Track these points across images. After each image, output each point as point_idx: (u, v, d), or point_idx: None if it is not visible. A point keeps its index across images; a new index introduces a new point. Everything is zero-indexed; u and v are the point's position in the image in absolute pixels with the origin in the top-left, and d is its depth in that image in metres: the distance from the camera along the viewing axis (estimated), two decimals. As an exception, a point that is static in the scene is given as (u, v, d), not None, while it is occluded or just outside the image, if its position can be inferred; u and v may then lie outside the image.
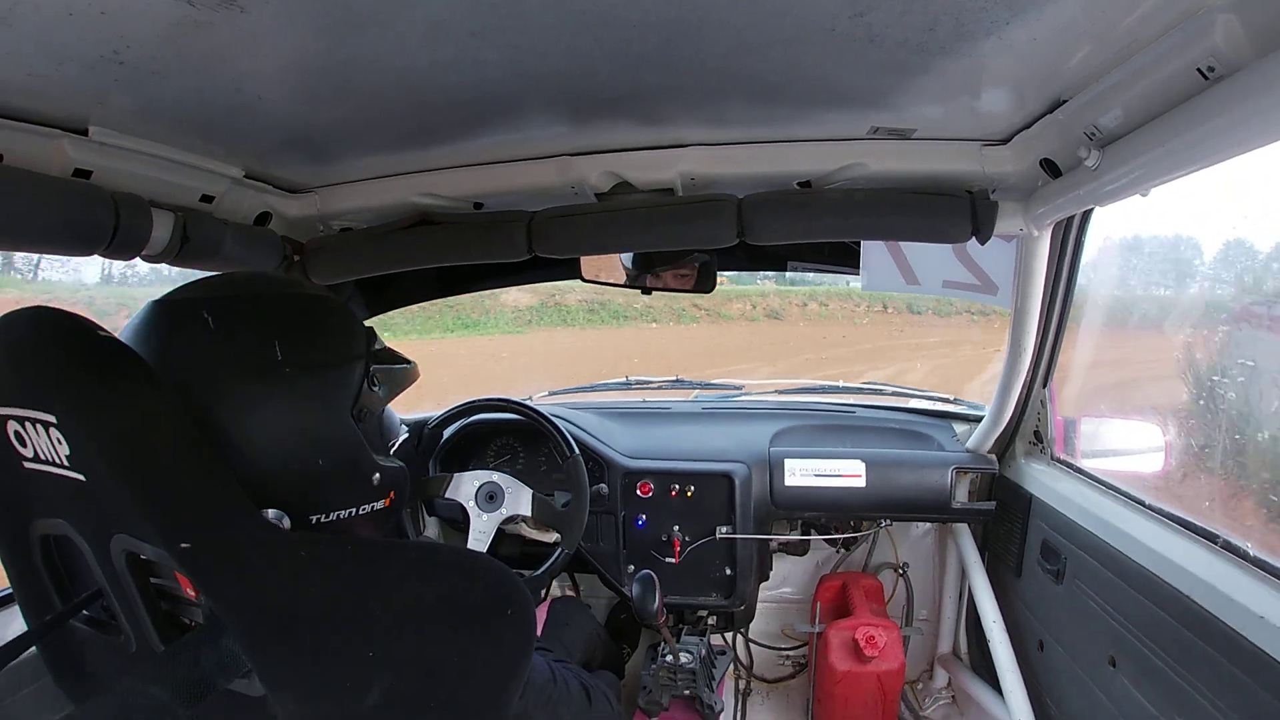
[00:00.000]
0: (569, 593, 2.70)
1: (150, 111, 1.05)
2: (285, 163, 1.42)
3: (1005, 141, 1.31)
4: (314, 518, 0.88)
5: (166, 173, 1.23)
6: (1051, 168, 1.25)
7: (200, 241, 1.31)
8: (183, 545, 0.71)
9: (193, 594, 0.80)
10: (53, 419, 0.74)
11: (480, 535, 1.94)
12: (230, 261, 1.42)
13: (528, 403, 2.18)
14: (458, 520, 2.02)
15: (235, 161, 1.35)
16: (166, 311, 0.86)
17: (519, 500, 1.96)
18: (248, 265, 1.48)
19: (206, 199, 1.35)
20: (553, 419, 2.08)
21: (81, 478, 0.76)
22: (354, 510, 0.92)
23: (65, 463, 0.76)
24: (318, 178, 1.54)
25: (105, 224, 1.11)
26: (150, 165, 1.19)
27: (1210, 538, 1.29)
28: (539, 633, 1.81)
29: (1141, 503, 1.52)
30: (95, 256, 1.15)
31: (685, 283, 2.00)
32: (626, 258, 1.99)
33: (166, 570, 0.81)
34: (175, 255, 1.28)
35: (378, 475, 0.95)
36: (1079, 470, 1.84)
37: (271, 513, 0.82)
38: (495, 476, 1.96)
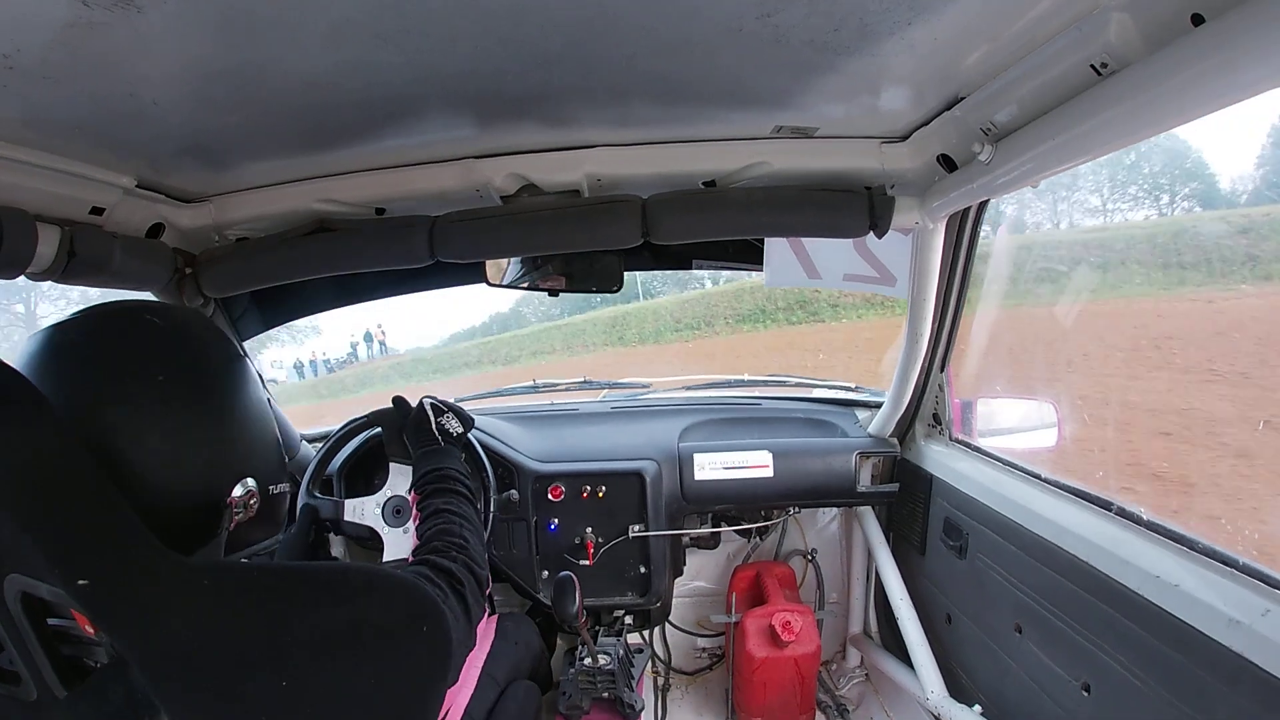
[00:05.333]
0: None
1: (41, 119, 0.99)
2: (179, 170, 1.35)
3: (904, 138, 1.35)
4: (272, 489, 0.94)
5: (55, 184, 1.15)
6: (947, 162, 1.30)
7: (87, 257, 1.23)
8: (80, 582, 0.67)
9: (91, 631, 0.75)
10: None
11: (398, 550, 1.84)
12: (118, 277, 1.35)
13: None
14: (365, 539, 1.92)
15: (127, 170, 1.27)
16: (64, 339, 0.82)
17: None
18: (136, 280, 1.43)
19: (96, 211, 1.28)
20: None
21: None
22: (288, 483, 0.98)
23: None
24: (213, 186, 1.46)
25: None
26: (39, 177, 1.11)
27: (1105, 505, 1.38)
28: (488, 650, 1.80)
29: (1038, 476, 1.61)
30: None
31: (560, 282, 2.02)
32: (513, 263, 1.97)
33: (65, 610, 0.75)
34: (61, 272, 1.21)
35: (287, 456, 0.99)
36: (977, 449, 1.93)
37: (241, 487, 0.87)
38: (400, 489, 1.87)
